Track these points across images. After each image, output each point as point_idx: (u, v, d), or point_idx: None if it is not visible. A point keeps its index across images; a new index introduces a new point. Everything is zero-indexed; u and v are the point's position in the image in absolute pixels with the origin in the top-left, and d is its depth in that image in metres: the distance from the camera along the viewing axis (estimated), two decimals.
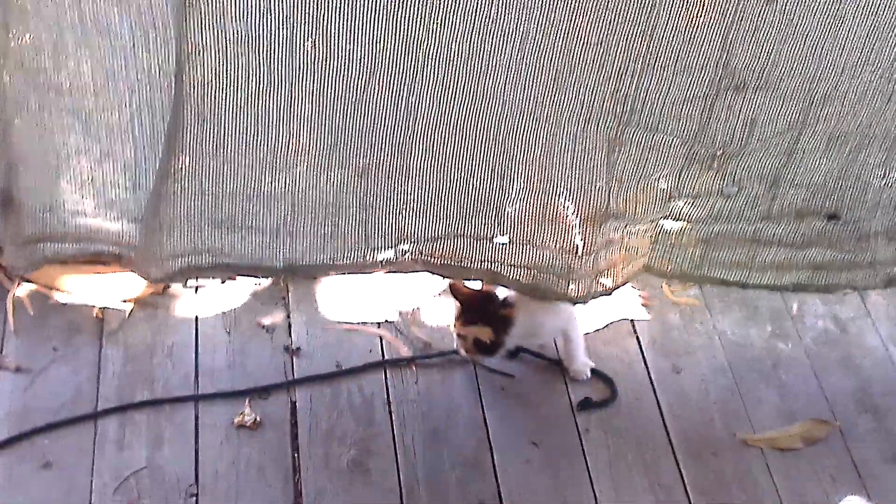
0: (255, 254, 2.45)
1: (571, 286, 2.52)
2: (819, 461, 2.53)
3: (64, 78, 2.24)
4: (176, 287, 2.80)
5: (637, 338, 2.78)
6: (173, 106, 2.22)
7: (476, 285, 2.61)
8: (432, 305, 2.81)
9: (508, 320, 2.55)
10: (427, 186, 2.38)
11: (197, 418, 2.52)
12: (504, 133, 2.30)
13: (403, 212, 2.42)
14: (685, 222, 2.52)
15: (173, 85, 2.20)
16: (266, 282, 2.84)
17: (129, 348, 2.65)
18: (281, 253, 2.46)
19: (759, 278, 2.64)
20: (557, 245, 2.47)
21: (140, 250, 2.45)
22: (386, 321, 2.76)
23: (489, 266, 2.51)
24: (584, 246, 2.46)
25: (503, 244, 2.48)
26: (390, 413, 2.57)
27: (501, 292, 2.60)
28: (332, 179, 2.35)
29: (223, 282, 2.83)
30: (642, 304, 2.86)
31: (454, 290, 2.57)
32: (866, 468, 2.53)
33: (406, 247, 2.48)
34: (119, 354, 2.64)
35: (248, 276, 2.80)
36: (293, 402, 2.58)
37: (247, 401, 2.55)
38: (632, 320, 2.81)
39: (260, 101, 2.21)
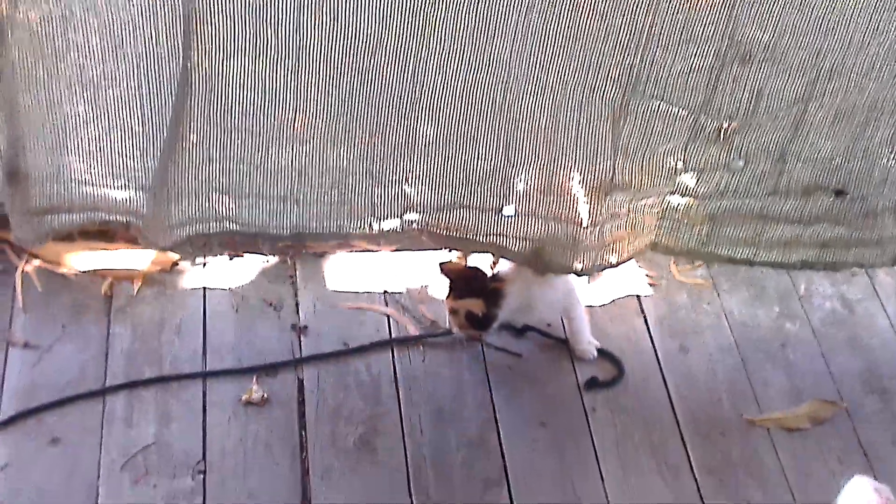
0: (262, 221, 2.45)
1: (577, 258, 2.51)
2: (826, 442, 2.54)
3: (72, 48, 2.24)
4: (184, 264, 2.80)
5: (644, 318, 2.78)
6: (181, 75, 2.22)
7: (471, 261, 2.62)
8: (439, 284, 2.80)
9: (499, 293, 2.55)
10: (432, 155, 2.37)
11: (205, 395, 2.53)
12: (510, 100, 2.29)
13: (409, 180, 2.41)
14: (692, 198, 2.51)
15: (181, 54, 2.20)
16: (274, 259, 2.84)
17: (137, 325, 2.66)
18: (288, 220, 2.45)
19: (767, 256, 2.62)
20: (563, 216, 2.46)
21: (148, 218, 2.45)
22: (387, 292, 2.76)
23: (495, 238, 2.50)
24: (589, 217, 2.45)
25: (509, 215, 2.47)
26: (397, 392, 2.57)
27: (496, 267, 2.61)
28: (338, 147, 2.35)
29: (231, 259, 2.84)
30: (649, 284, 2.86)
31: (444, 268, 2.58)
32: (873, 449, 2.53)
33: (412, 217, 2.47)
34: (127, 331, 2.64)
35: (254, 250, 2.81)
36: (300, 379, 2.58)
37: (254, 378, 2.56)
38: (639, 298, 2.81)
39: (267, 70, 2.21)
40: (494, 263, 2.66)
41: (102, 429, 2.44)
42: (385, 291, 2.79)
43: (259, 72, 2.21)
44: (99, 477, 2.35)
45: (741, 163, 2.45)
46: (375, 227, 2.48)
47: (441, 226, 2.49)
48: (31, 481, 2.33)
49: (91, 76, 2.29)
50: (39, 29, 2.21)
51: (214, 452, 2.42)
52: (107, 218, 2.50)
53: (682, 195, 2.50)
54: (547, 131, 2.34)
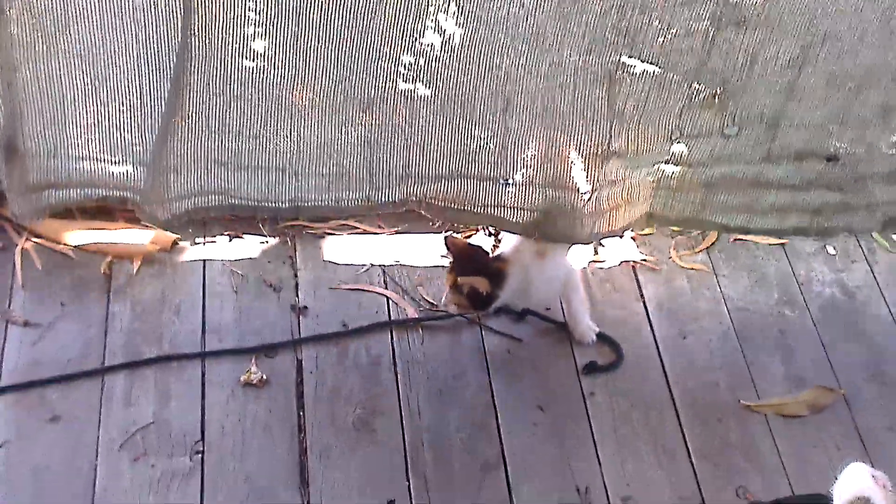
0: (261, 193, 2.45)
1: (575, 226, 2.52)
2: (824, 428, 2.54)
3: (71, 20, 2.24)
4: (184, 244, 2.80)
5: (644, 303, 2.78)
6: (180, 44, 2.22)
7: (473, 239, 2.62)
8: (439, 266, 2.80)
9: (502, 274, 2.55)
10: (431, 124, 2.37)
11: (204, 375, 2.53)
12: (507, 65, 2.29)
13: (408, 149, 2.42)
14: (686, 167, 2.52)
15: (180, 22, 2.20)
16: (274, 240, 2.84)
17: (136, 305, 2.66)
18: (286, 193, 2.45)
19: (761, 223, 2.64)
20: (562, 184, 2.46)
21: (146, 193, 2.45)
22: (386, 274, 2.76)
23: (493, 210, 2.51)
24: (587, 184, 2.46)
25: (506, 185, 2.48)
26: (396, 373, 2.58)
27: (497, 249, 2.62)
28: (337, 115, 2.35)
29: (231, 239, 2.84)
30: (650, 269, 2.86)
31: (448, 241, 2.59)
32: (871, 436, 2.53)
33: (410, 188, 2.47)
34: (127, 310, 2.64)
35: (254, 230, 2.81)
36: (299, 360, 2.58)
37: (253, 359, 2.56)
38: (638, 283, 2.81)
39: (267, 35, 2.21)
40: (495, 246, 2.66)
41: (101, 407, 2.44)
42: (384, 273, 2.79)
43: (259, 35, 2.21)
44: (98, 455, 2.36)
45: (735, 129, 2.46)
46: (374, 198, 2.48)
47: (440, 197, 2.49)
48: (31, 459, 2.34)
49: (90, 50, 2.29)
50: (38, 2, 2.21)
51: (213, 432, 2.42)
52: (104, 194, 2.50)
53: (677, 164, 2.51)
54: (544, 96, 2.34)
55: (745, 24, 2.28)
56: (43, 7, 2.22)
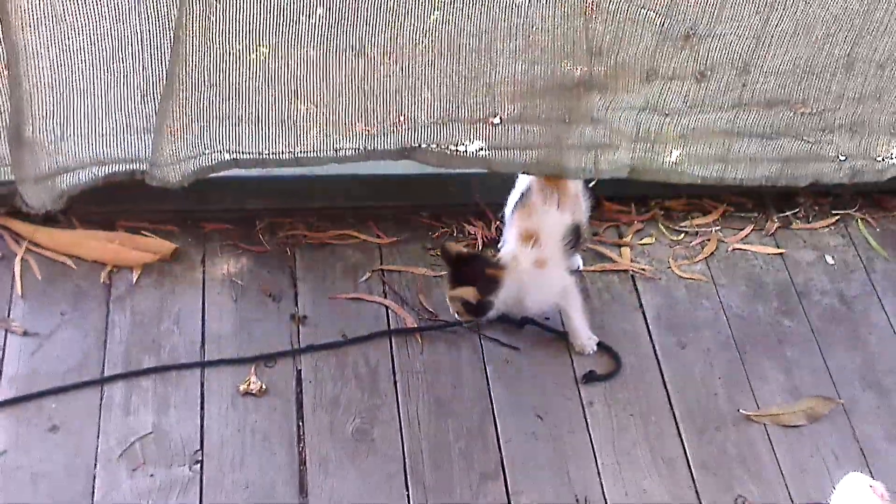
0: (262, 146, 2.52)
1: (564, 159, 2.59)
2: (822, 438, 2.54)
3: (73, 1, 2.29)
4: (184, 253, 2.80)
5: (643, 312, 2.78)
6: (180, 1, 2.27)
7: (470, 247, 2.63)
8: (438, 276, 2.81)
9: (496, 281, 2.56)
10: (421, 70, 2.44)
11: (203, 385, 2.53)
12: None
13: (399, 93, 2.47)
14: (663, 116, 2.60)
15: None
16: (273, 250, 2.84)
17: (136, 314, 2.66)
18: (286, 145, 2.52)
19: (734, 172, 2.71)
20: (545, 117, 2.53)
21: (154, 160, 2.49)
22: (386, 283, 2.77)
23: (483, 152, 2.57)
24: (569, 115, 2.53)
25: (495, 124, 2.54)
26: (395, 383, 2.58)
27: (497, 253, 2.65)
28: (329, 66, 2.42)
29: (230, 250, 2.84)
30: (649, 279, 2.86)
31: (444, 252, 2.60)
32: (869, 445, 2.53)
33: (405, 136, 2.54)
34: (126, 320, 2.64)
35: (252, 238, 2.82)
36: (298, 370, 2.58)
37: (252, 368, 2.56)
38: (638, 293, 2.82)
39: None
40: (493, 254, 2.67)
41: (101, 417, 2.44)
42: (384, 282, 2.79)
43: None
44: (96, 465, 2.35)
45: (708, 73, 2.55)
46: (370, 145, 2.54)
47: (432, 141, 2.56)
48: (30, 468, 2.34)
49: (95, 23, 2.32)
50: None
51: (212, 442, 2.42)
52: (114, 169, 2.54)
53: (654, 112, 2.56)
54: (525, 31, 2.41)
55: None
56: None
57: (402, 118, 2.51)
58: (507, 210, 2.72)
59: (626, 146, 2.63)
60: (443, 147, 2.56)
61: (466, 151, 2.56)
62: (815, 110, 2.63)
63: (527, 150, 2.58)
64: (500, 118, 2.53)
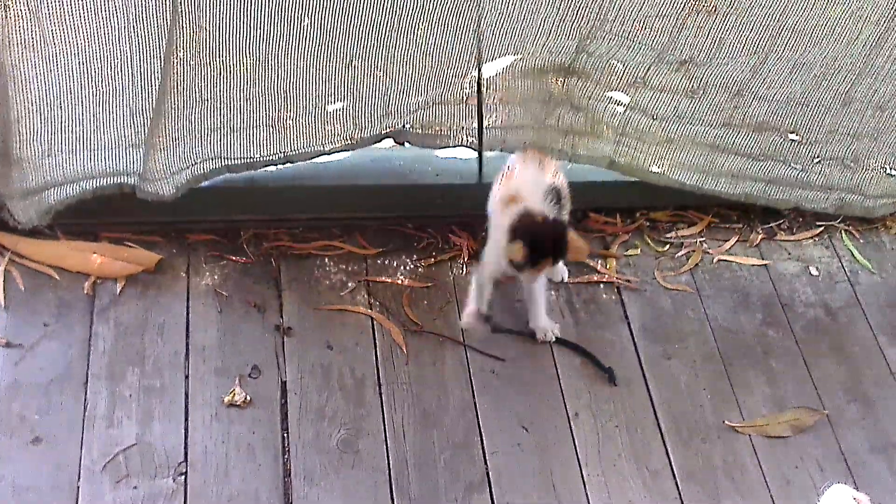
0: (253, 151, 2.58)
1: (541, 139, 2.67)
2: (807, 449, 2.54)
3: (66, 13, 2.30)
4: (168, 264, 2.79)
5: (628, 324, 2.78)
6: (171, 17, 2.31)
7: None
8: (423, 287, 2.81)
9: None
10: (404, 53, 2.50)
11: (187, 396, 2.52)
12: None
13: (384, 87, 2.55)
14: (651, 118, 2.63)
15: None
16: (258, 261, 2.83)
17: (119, 325, 2.65)
18: (277, 146, 2.59)
19: (714, 184, 2.76)
20: (523, 99, 2.61)
21: (146, 174, 2.49)
22: (371, 294, 2.76)
23: (468, 131, 2.66)
24: (548, 95, 2.61)
25: (478, 105, 2.63)
26: (380, 394, 2.57)
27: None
28: (315, 69, 2.49)
29: (214, 260, 2.83)
30: (634, 290, 2.86)
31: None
32: (854, 457, 2.54)
33: (390, 122, 2.61)
34: (110, 331, 2.63)
35: (237, 249, 2.82)
36: (283, 381, 2.58)
37: (237, 379, 2.55)
38: (623, 304, 2.82)
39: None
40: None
41: (83, 429, 2.43)
42: (369, 293, 2.79)
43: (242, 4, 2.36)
44: (80, 477, 2.34)
45: (700, 92, 2.61)
46: (357, 136, 2.61)
47: (418, 124, 2.63)
48: (12, 480, 2.32)
49: (84, 38, 2.34)
50: (30, 2, 2.26)
51: (196, 453, 2.41)
52: (102, 183, 2.55)
53: (643, 113, 2.59)
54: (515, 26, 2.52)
55: (715, 12, 2.45)
56: (37, 5, 2.26)
57: (388, 111, 2.55)
58: (489, 205, 2.68)
59: (609, 137, 2.67)
60: (429, 129, 2.61)
61: (450, 132, 2.63)
62: (804, 139, 2.65)
63: (507, 130, 2.66)
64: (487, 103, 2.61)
